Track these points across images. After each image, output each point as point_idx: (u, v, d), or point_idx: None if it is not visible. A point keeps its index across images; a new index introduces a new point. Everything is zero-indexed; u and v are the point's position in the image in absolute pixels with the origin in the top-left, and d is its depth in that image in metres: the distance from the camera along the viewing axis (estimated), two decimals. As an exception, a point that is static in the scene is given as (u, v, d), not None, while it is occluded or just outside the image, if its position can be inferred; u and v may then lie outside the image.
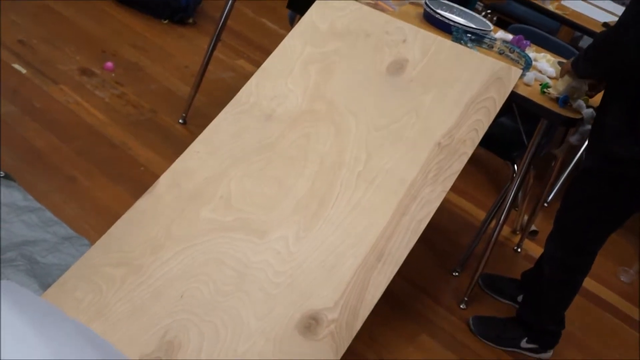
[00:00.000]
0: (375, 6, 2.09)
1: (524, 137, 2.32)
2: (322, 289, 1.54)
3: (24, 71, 2.62)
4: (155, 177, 1.80)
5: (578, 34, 3.98)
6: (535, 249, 2.69)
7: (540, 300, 2.04)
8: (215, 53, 2.67)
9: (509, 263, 2.57)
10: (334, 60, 1.93)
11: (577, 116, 1.91)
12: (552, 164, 2.59)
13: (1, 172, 2.02)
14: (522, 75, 1.97)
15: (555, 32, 3.86)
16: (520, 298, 2.26)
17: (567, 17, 3.11)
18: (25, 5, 3.08)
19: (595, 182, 1.84)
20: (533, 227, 2.73)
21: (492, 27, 2.25)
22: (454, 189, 2.45)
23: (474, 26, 2.19)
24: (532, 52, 2.20)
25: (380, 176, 1.71)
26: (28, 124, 2.33)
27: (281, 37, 2.00)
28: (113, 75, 2.81)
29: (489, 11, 2.54)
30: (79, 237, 1.91)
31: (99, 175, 2.21)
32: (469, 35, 2.09)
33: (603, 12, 3.39)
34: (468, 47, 1.99)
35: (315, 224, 1.64)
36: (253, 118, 1.84)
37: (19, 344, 1.15)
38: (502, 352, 2.11)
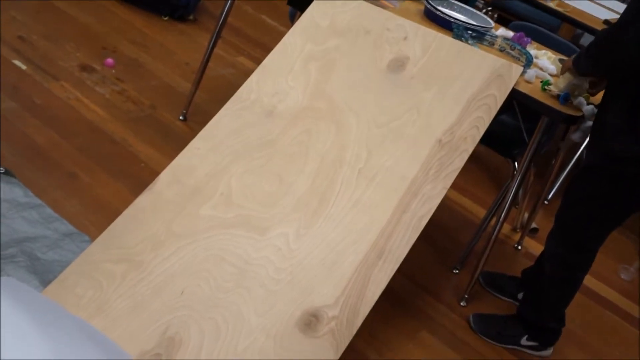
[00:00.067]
0: (376, 3, 2.09)
1: (525, 134, 2.32)
2: (322, 286, 1.54)
3: (24, 67, 2.62)
4: (155, 173, 1.80)
5: (579, 31, 3.97)
6: (535, 247, 2.69)
7: (541, 298, 2.05)
8: (216, 50, 2.67)
9: (509, 261, 2.57)
10: (334, 57, 1.92)
11: (578, 113, 1.91)
12: (553, 162, 2.59)
13: (1, 169, 2.02)
14: (523, 73, 1.97)
15: (556, 29, 3.85)
16: (520, 295, 2.26)
17: (568, 14, 3.11)
18: (25, 2, 3.08)
19: (595, 180, 1.84)
20: (533, 225, 2.73)
21: (493, 24, 2.25)
22: (454, 186, 2.46)
23: (475, 23, 2.18)
24: (533, 50, 2.19)
25: (381, 173, 1.71)
26: (28, 120, 2.33)
27: (281, 34, 2.00)
28: (113, 71, 2.81)
29: (489, 8, 2.53)
30: (80, 234, 1.91)
31: (99, 172, 2.21)
32: (470, 32, 2.09)
33: (604, 9, 3.39)
34: (469, 44, 1.99)
35: (316, 221, 1.64)
36: (254, 115, 1.84)
37: (19, 340, 1.15)
38: (503, 350, 2.11)
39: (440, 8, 2.16)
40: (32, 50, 2.74)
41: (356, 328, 1.50)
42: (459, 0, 2.34)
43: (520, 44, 2.15)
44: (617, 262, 2.79)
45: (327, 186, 1.69)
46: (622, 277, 2.74)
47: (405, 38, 1.94)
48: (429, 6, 2.17)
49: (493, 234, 2.11)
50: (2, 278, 1.36)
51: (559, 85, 1.92)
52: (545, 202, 2.91)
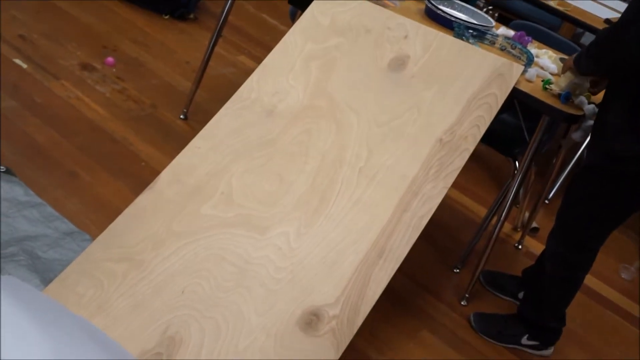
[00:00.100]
0: (376, 2, 2.09)
1: (526, 133, 2.32)
2: (323, 285, 1.54)
3: (24, 66, 2.62)
4: (156, 172, 1.80)
5: (580, 30, 3.97)
6: (536, 246, 2.69)
7: (542, 297, 2.04)
8: (216, 49, 2.67)
9: (509, 260, 2.57)
10: (335, 56, 1.92)
11: (579, 112, 1.91)
12: (554, 161, 2.59)
13: (2, 167, 2.02)
14: (524, 72, 1.96)
15: (557, 28, 3.85)
16: (521, 295, 2.26)
17: (568, 13, 3.10)
18: (26, 1, 3.07)
19: (596, 180, 1.84)
20: (534, 224, 2.73)
21: (494, 23, 2.25)
22: (455, 185, 2.46)
23: (475, 22, 2.18)
24: (533, 49, 2.19)
25: (382, 172, 1.71)
26: (29, 119, 2.33)
27: (282, 33, 2.00)
28: (114, 70, 2.81)
29: (490, 7, 2.53)
30: (80, 233, 1.91)
31: (100, 171, 2.21)
32: (471, 31, 2.09)
33: (605, 8, 3.38)
34: (470, 43, 1.99)
35: (316, 220, 1.64)
36: (254, 114, 1.84)
37: (20, 339, 1.15)
38: (503, 349, 2.11)
39: (441, 7, 2.16)
40: (32, 49, 2.74)
41: (357, 327, 1.50)
42: (460, -1, 2.34)
43: (521, 43, 2.14)
44: (617, 261, 2.79)
45: (327, 185, 1.69)
46: (623, 276, 2.74)
47: (406, 37, 1.94)
48: (429, 5, 2.17)
49: (494, 233, 2.11)
50: (2, 277, 1.36)
51: (560, 84, 1.92)
52: (546, 201, 2.91)
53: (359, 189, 1.68)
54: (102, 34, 3.07)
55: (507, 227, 2.74)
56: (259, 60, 2.06)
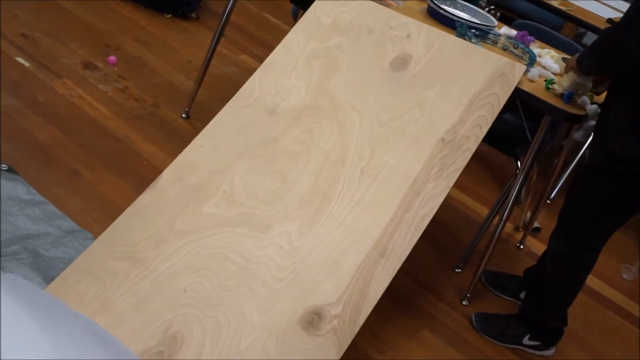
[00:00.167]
0: (379, 1, 2.08)
1: (528, 133, 2.32)
2: (325, 284, 1.54)
3: (27, 64, 2.62)
4: (158, 171, 1.80)
5: (582, 30, 3.97)
6: (537, 246, 2.69)
7: (543, 297, 2.04)
8: (218, 48, 2.67)
9: (511, 260, 2.56)
10: (337, 55, 1.92)
11: (582, 112, 1.91)
12: (555, 161, 2.59)
13: (4, 166, 2.02)
14: (526, 71, 1.96)
15: (559, 28, 3.85)
16: (522, 295, 2.26)
17: (571, 13, 3.10)
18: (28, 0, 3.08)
19: (598, 180, 1.84)
20: (536, 224, 2.73)
21: (496, 22, 2.24)
22: (457, 185, 2.45)
23: (478, 22, 2.18)
24: (536, 48, 2.19)
25: (384, 172, 1.70)
26: (31, 118, 2.33)
27: (284, 32, 2.00)
28: (116, 69, 2.81)
29: (492, 7, 2.53)
30: (83, 231, 1.91)
31: (102, 169, 2.21)
32: (473, 30, 2.09)
33: (607, 8, 3.38)
34: (472, 42, 1.99)
35: (318, 220, 1.64)
36: (256, 113, 1.84)
37: (22, 337, 1.15)
38: (505, 349, 2.11)
39: (443, 6, 2.16)
40: (34, 48, 2.74)
41: (358, 326, 1.50)
42: (462, -2, 2.34)
43: (523, 43, 2.14)
44: (619, 262, 2.79)
45: (329, 185, 1.69)
46: (624, 277, 2.74)
47: (408, 36, 1.94)
48: (432, 4, 2.17)
49: (495, 233, 2.11)
50: (4, 275, 1.36)
51: (562, 84, 1.92)
52: (548, 201, 2.90)
53: (361, 189, 1.68)
54: (104, 32, 3.07)
55: (509, 227, 2.74)
56: (260, 60, 2.07)
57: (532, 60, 2.03)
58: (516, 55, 2.08)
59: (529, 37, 2.20)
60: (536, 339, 2.10)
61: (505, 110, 1.89)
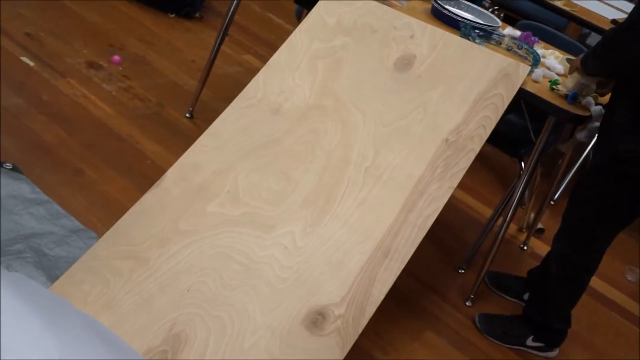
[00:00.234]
0: (383, 2, 2.08)
1: (532, 134, 2.32)
2: (328, 284, 1.54)
3: (31, 64, 2.63)
4: (162, 170, 1.80)
5: (586, 30, 3.96)
6: (541, 247, 2.68)
7: (547, 299, 2.04)
8: (222, 48, 2.67)
9: (515, 261, 2.56)
10: (341, 55, 1.92)
11: (586, 113, 1.90)
12: (559, 162, 2.58)
13: (9, 165, 2.02)
14: (531, 72, 1.96)
15: (563, 28, 3.84)
16: (526, 296, 2.26)
17: (575, 13, 3.10)
18: (33, -1, 3.09)
19: (602, 180, 1.84)
20: (539, 225, 2.73)
21: (500, 23, 2.24)
22: (460, 185, 2.44)
23: (482, 22, 2.18)
24: (540, 49, 2.19)
25: (388, 172, 1.70)
26: (35, 117, 2.33)
27: (288, 32, 2.00)
28: (120, 68, 2.82)
29: (496, 7, 2.53)
30: (87, 230, 1.91)
31: (106, 169, 2.22)
32: (477, 31, 2.09)
33: (612, 9, 3.37)
34: (476, 43, 1.99)
35: (322, 220, 1.64)
36: (260, 113, 1.84)
37: (26, 336, 1.15)
38: (508, 350, 2.10)
39: (447, 7, 2.16)
40: (39, 47, 2.75)
41: (362, 327, 1.50)
42: (466, -1, 2.34)
43: (527, 43, 2.14)
44: (623, 263, 2.78)
45: (333, 185, 1.69)
46: (629, 278, 2.73)
47: (412, 36, 1.94)
48: (436, 5, 2.17)
49: (499, 234, 2.10)
50: (9, 274, 1.36)
51: (567, 84, 1.91)
52: (552, 202, 2.90)
53: (364, 189, 1.68)
54: (109, 32, 3.08)
55: (513, 228, 2.74)
56: (264, 60, 2.07)
57: (536, 61, 2.03)
58: (520, 55, 2.08)
59: (533, 38, 2.20)
60: (540, 340, 2.09)
61: (509, 111, 1.89)
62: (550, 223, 2.78)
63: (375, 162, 1.72)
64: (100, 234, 1.83)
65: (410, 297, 2.18)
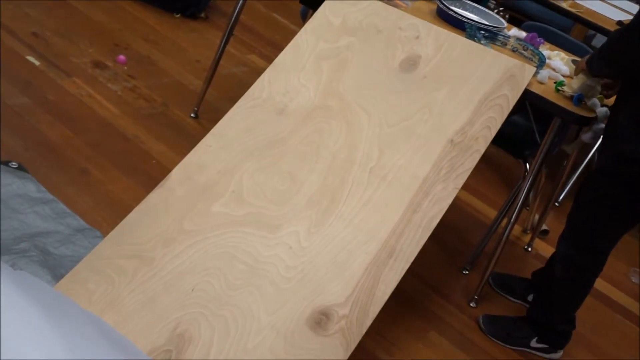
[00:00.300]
0: (388, 2, 2.08)
1: (537, 135, 2.31)
2: (333, 284, 1.54)
3: (37, 63, 2.63)
4: (167, 170, 1.80)
5: (591, 32, 3.95)
6: (545, 249, 2.68)
7: (551, 300, 2.04)
8: (227, 47, 2.67)
9: (519, 262, 2.56)
10: (346, 56, 1.92)
11: (591, 115, 1.90)
12: (564, 163, 2.58)
13: (14, 164, 2.03)
14: (536, 73, 1.96)
15: (569, 30, 3.83)
16: (530, 297, 2.25)
17: (580, 15, 3.09)
18: (39, -2, 3.10)
19: (607, 182, 1.83)
20: (544, 227, 2.72)
21: (505, 24, 2.24)
22: (465, 186, 2.44)
23: (487, 23, 2.18)
24: (545, 50, 2.18)
25: (392, 173, 1.70)
26: (41, 116, 2.34)
27: (293, 33, 2.00)
28: (125, 68, 2.82)
29: (501, 9, 2.52)
30: (92, 229, 1.92)
31: (111, 168, 2.22)
32: (483, 32, 2.08)
33: (617, 10, 3.36)
34: (481, 44, 1.98)
35: (326, 220, 1.64)
36: (265, 113, 1.84)
37: (31, 334, 1.16)
38: (512, 352, 2.10)
39: (452, 8, 2.16)
40: (45, 47, 2.76)
41: (366, 327, 1.50)
42: (472, 0, 2.34)
43: (532, 45, 2.14)
44: (627, 265, 2.78)
45: (338, 185, 1.70)
46: (633, 280, 2.72)
47: (417, 37, 1.94)
48: (441, 6, 2.17)
49: (503, 235, 2.10)
50: (14, 272, 1.37)
51: (572, 86, 1.91)
52: (556, 203, 2.89)
53: (369, 189, 1.68)
54: (114, 32, 3.08)
55: (517, 229, 2.73)
56: (269, 60, 2.07)
57: (541, 62, 2.03)
58: (525, 57, 2.08)
59: (538, 39, 2.20)
60: (544, 341, 2.09)
61: (514, 112, 1.89)
62: (554, 224, 2.77)
63: (380, 162, 1.72)
64: (105, 233, 1.83)
65: (415, 298, 2.18)
